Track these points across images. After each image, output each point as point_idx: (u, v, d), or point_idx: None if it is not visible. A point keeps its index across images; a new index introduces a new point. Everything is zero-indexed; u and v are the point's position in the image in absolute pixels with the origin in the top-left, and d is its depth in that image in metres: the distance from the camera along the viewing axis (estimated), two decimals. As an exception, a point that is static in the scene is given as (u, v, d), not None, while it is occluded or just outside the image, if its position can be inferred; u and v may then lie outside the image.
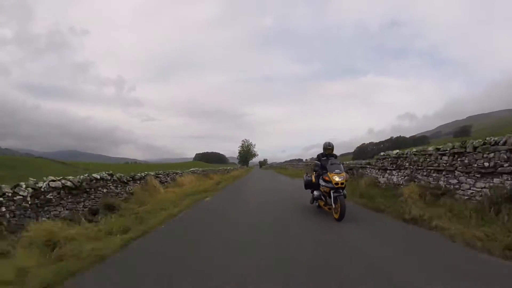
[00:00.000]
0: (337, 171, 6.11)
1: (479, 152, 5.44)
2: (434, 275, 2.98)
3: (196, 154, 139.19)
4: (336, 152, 7.00)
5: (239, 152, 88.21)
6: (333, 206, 5.91)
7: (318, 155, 7.11)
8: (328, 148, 6.90)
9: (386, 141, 75.28)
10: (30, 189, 5.42)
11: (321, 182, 6.40)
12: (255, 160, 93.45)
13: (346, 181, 6.13)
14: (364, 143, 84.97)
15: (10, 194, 5.08)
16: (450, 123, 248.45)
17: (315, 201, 7.05)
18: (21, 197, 5.23)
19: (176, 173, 14.57)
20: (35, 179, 5.77)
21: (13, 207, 5.05)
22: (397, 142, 75.70)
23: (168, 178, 13.23)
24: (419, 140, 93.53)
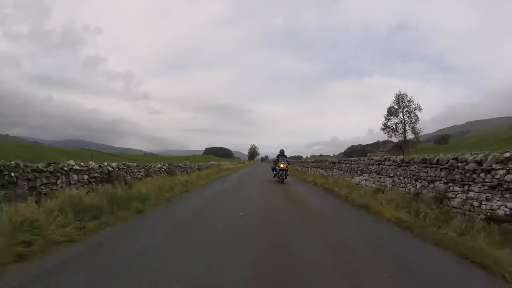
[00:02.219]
0: (282, 162, 14.15)
1: (341, 163, 14.32)
2: (312, 191, 11.35)
3: (206, 149, 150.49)
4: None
5: (248, 152, 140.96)
6: (279, 178, 14.05)
7: (277, 155, 14.91)
8: (282, 152, 14.91)
9: (373, 144, 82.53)
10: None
11: (276, 167, 14.51)
12: (258, 157, 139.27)
13: (287, 167, 14.20)
14: (353, 145, 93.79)
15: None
16: (449, 127, 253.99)
17: (274, 177, 15.18)
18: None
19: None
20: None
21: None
22: (384, 145, 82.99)
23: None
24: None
